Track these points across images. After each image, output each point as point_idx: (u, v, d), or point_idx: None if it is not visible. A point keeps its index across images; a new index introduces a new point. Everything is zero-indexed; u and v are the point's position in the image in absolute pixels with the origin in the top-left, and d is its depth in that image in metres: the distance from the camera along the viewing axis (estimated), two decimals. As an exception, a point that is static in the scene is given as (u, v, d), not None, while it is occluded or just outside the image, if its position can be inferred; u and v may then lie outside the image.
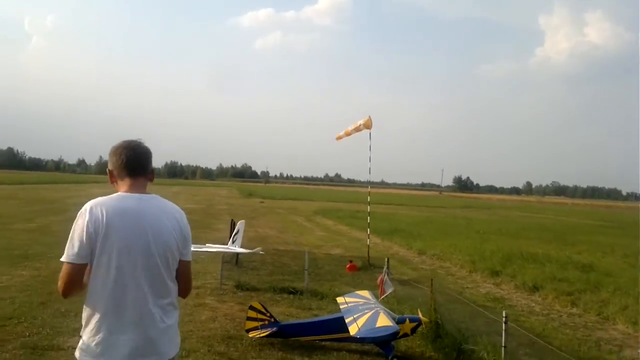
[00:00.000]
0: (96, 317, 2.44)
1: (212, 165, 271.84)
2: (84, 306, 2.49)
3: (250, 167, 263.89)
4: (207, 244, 10.98)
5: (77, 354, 2.49)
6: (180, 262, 2.61)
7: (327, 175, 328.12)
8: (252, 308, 6.23)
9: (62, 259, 2.42)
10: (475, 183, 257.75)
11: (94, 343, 2.42)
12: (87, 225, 2.39)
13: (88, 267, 2.43)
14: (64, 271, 2.41)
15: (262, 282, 9.43)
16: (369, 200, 13.17)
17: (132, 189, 2.55)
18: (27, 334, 6.01)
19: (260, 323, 6.12)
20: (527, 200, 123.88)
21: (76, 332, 5.95)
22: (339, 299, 6.71)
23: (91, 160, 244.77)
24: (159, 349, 2.49)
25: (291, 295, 8.62)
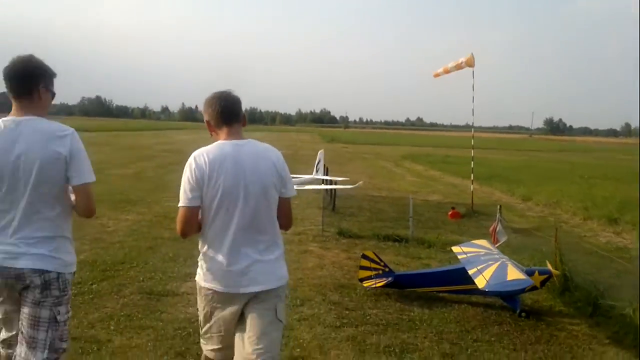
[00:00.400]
0: (209, 250, 2.81)
1: (291, 111, 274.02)
2: (199, 241, 2.87)
3: (329, 112, 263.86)
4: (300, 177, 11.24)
5: (197, 278, 2.91)
6: (280, 199, 2.87)
7: (408, 120, 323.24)
8: (365, 257, 6.01)
9: (179, 205, 2.75)
10: (567, 125, 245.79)
11: (209, 272, 2.82)
12: (194, 173, 2.71)
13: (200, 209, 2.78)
14: (180, 214, 2.76)
15: (363, 229, 9.22)
16: (472, 144, 12.53)
17: (229, 136, 2.82)
18: (141, 278, 6.10)
19: (374, 272, 5.90)
20: (627, 142, 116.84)
21: (187, 278, 6.15)
22: (455, 249, 6.35)
23: (174, 108, 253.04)
24: (260, 280, 2.77)
25: (396, 243, 8.35)
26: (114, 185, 13.61)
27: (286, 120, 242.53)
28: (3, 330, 2.80)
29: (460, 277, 5.60)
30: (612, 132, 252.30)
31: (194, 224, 2.80)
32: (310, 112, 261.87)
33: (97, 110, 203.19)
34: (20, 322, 2.67)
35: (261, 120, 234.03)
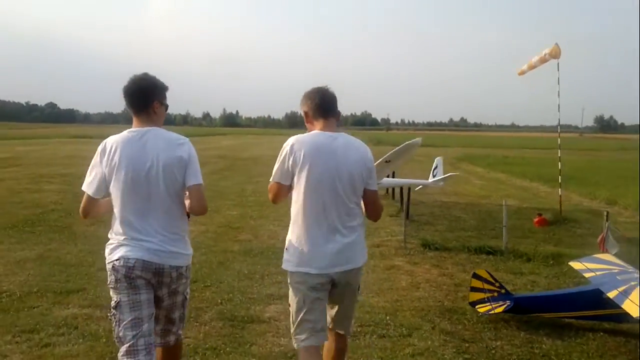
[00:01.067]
0: (300, 230, 3.10)
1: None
2: (292, 220, 3.17)
3: (370, 115, 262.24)
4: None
5: (284, 265, 3.19)
6: (365, 190, 3.17)
7: (451, 120, 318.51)
8: (476, 276, 5.22)
9: (270, 180, 3.16)
10: (620, 122, 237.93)
11: (301, 255, 3.09)
12: (290, 156, 3.07)
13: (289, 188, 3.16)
14: (273, 187, 3.18)
15: (447, 240, 8.43)
16: (559, 143, 11.44)
17: (325, 128, 3.14)
18: (219, 300, 5.48)
19: (489, 295, 5.11)
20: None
21: (271, 300, 5.27)
22: (575, 265, 5.47)
23: (215, 114, 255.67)
24: (349, 259, 3.11)
25: (490, 256, 7.54)
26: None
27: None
28: (130, 328, 2.94)
29: (595, 300, 4.75)
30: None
31: (283, 197, 3.21)
32: (351, 114, 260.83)
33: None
34: (156, 307, 3.07)
35: (302, 123, 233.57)
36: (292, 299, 3.15)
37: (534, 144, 58.91)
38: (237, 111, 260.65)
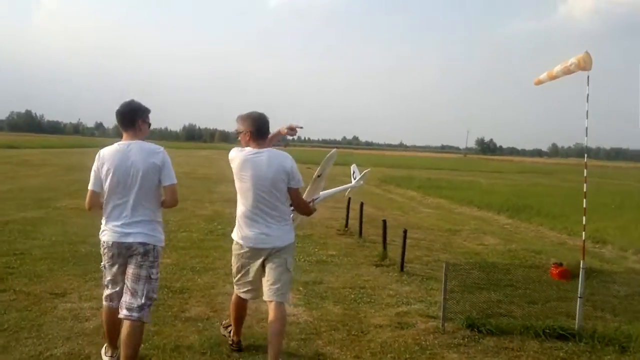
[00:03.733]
0: (240, 216, 4.22)
1: (230, 127, 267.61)
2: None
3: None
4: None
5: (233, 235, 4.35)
6: (289, 188, 4.16)
7: (344, 138, 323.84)
8: None
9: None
10: (498, 145, 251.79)
11: (241, 233, 4.22)
12: (234, 164, 4.16)
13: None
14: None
15: (492, 313, 5.95)
16: (585, 173, 8.98)
17: (258, 146, 4.16)
18: None
19: None
20: (563, 163, 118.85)
21: None
22: None
23: (109, 124, 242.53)
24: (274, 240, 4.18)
25: (564, 343, 5.14)
26: (70, 229, 9.78)
27: (225, 137, 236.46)
28: (109, 288, 3.97)
29: None
30: (536, 152, 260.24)
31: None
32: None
33: (27, 125, 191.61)
34: (125, 279, 3.87)
35: (200, 137, 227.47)
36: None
37: (438, 165, 58.91)
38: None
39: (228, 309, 4.99)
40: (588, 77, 8.33)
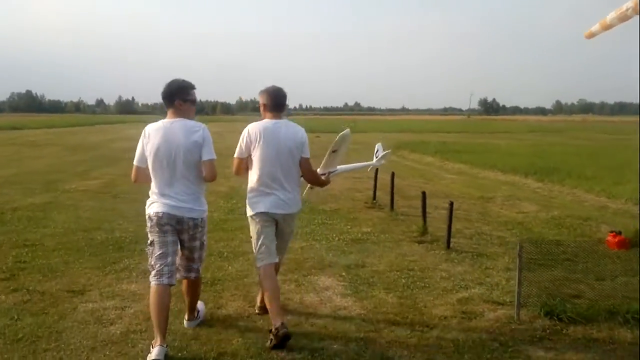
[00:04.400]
0: (255, 185, 4.37)
1: (231, 99, 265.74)
2: (249, 179, 4.43)
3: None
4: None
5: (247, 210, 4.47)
6: (301, 158, 4.40)
7: (346, 105, 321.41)
8: None
9: (234, 156, 4.41)
10: (501, 105, 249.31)
11: (258, 202, 4.37)
12: (247, 136, 4.33)
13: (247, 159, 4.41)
14: (236, 163, 4.45)
15: (554, 291, 5.25)
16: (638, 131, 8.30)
17: (273, 117, 4.39)
18: None
19: None
20: (569, 120, 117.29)
21: None
22: None
23: (110, 100, 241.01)
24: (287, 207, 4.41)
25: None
26: (83, 215, 9.11)
27: (226, 109, 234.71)
28: (159, 263, 3.99)
29: None
30: (540, 110, 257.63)
31: (244, 169, 4.46)
32: (251, 100, 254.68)
33: (28, 105, 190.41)
34: (180, 251, 4.14)
35: (201, 110, 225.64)
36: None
37: (444, 127, 57.94)
38: (132, 97, 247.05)
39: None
40: (643, 20, 7.51)
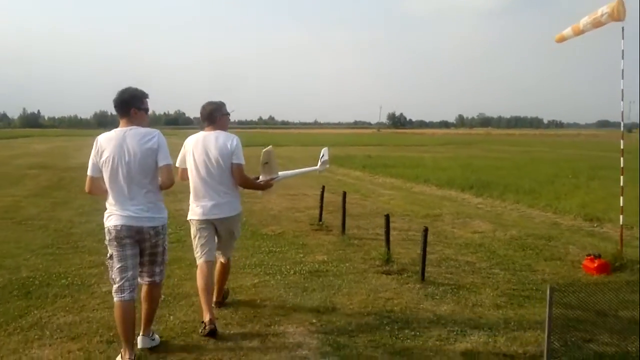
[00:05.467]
0: (192, 192, 4.72)
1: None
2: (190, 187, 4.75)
3: (184, 114, 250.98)
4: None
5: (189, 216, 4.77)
6: (232, 164, 4.63)
7: (260, 119, 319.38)
8: None
9: (177, 164, 4.53)
10: (408, 119, 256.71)
11: (197, 208, 4.69)
12: (183, 148, 4.75)
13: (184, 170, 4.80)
14: (180, 172, 4.71)
15: (567, 335, 4.38)
16: (622, 146, 7.54)
17: (207, 129, 4.73)
18: None
19: None
20: (474, 133, 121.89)
21: None
22: None
23: (13, 114, 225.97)
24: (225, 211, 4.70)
25: None
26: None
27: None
28: (119, 277, 3.86)
29: None
30: (444, 124, 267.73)
31: (187, 177, 4.75)
32: (165, 113, 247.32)
33: None
34: (140, 263, 3.98)
35: (113, 123, 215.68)
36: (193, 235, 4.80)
37: (356, 140, 57.96)
38: (38, 111, 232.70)
39: None
40: (623, 28, 6.92)
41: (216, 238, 4.81)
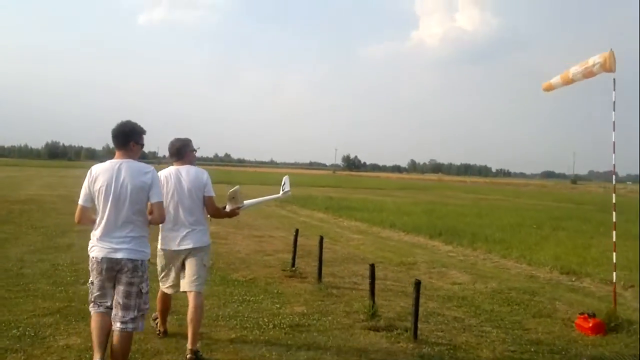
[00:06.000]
0: (164, 224, 4.49)
1: (97, 145, 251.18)
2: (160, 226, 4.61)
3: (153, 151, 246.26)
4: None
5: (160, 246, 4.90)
6: (205, 197, 4.87)
7: (216, 155, 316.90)
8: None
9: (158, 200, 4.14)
10: (362, 162, 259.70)
11: (164, 240, 4.85)
12: (162, 183, 4.66)
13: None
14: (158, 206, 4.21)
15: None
16: (614, 201, 7.19)
17: (177, 164, 4.92)
18: None
19: None
20: (426, 178, 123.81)
21: None
22: None
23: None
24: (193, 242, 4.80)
25: None
26: None
27: (92, 155, 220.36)
28: (97, 302, 3.96)
29: None
30: (396, 168, 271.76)
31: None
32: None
33: None
34: (116, 295, 3.90)
35: (64, 154, 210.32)
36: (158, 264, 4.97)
37: (313, 182, 57.62)
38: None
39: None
40: (614, 80, 6.74)
41: (185, 270, 4.85)
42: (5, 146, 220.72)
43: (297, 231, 8.98)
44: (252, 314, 6.18)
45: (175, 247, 4.75)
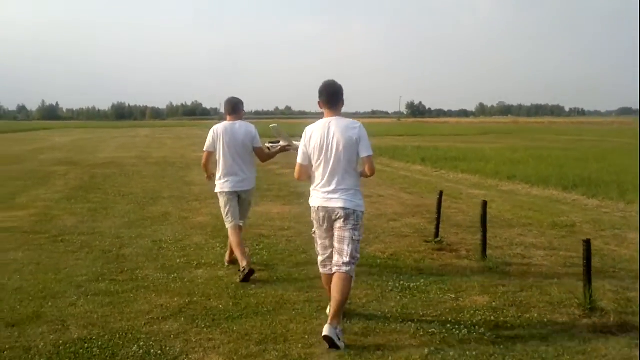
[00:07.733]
0: (221, 169, 5.73)
1: (161, 104, 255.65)
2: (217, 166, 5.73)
3: (201, 104, 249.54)
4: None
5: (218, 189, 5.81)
6: (254, 147, 5.77)
7: (277, 109, 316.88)
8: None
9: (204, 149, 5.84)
10: (427, 107, 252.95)
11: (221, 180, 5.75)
12: (211, 134, 5.86)
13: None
14: (204, 156, 5.90)
15: None
16: None
17: (231, 119, 5.84)
18: None
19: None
20: (500, 121, 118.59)
21: None
22: None
23: (32, 106, 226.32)
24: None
25: None
26: (13, 285, 5.42)
27: (157, 114, 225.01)
28: (321, 254, 4.33)
29: None
30: (463, 113, 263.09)
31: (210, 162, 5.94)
32: (182, 104, 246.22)
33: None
34: (333, 242, 4.17)
35: (130, 115, 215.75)
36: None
37: (391, 130, 55.42)
38: (57, 103, 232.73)
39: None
40: None
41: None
42: (74, 109, 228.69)
43: (441, 194, 7.38)
44: (427, 311, 4.72)
45: (232, 189, 5.76)
